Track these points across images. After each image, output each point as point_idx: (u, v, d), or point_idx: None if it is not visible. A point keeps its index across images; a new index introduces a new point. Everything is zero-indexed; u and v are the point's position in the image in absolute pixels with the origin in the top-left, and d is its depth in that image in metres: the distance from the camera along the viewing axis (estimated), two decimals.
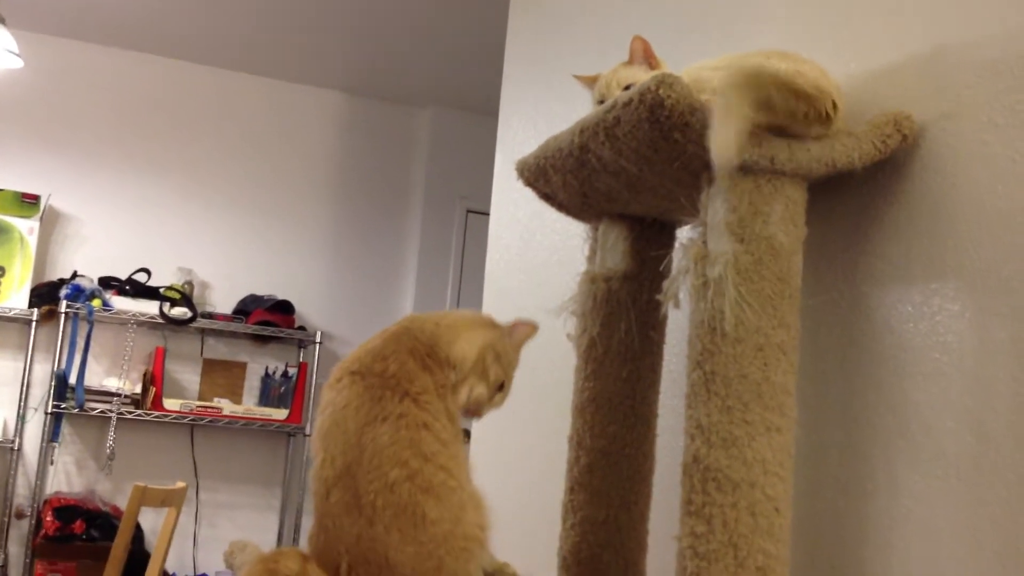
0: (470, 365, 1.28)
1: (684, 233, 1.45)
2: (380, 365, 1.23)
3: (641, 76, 1.28)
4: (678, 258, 1.21)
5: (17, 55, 3.79)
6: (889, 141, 1.19)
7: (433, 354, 1.26)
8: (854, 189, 1.27)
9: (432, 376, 1.24)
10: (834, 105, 1.16)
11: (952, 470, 1.09)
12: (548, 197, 1.51)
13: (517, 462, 2.21)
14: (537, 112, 2.38)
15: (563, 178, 1.40)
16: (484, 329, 1.33)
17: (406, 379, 1.21)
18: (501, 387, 1.32)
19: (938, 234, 1.15)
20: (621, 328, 1.44)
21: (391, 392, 1.20)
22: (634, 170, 1.27)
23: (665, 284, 1.23)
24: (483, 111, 3.11)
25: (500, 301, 2.45)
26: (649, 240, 1.46)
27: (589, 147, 1.28)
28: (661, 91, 1.11)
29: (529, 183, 1.49)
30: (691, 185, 1.22)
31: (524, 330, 1.35)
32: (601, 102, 1.33)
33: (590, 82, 1.39)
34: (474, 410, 1.30)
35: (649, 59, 1.34)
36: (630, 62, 1.34)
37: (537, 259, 2.26)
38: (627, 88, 1.27)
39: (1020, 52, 1.09)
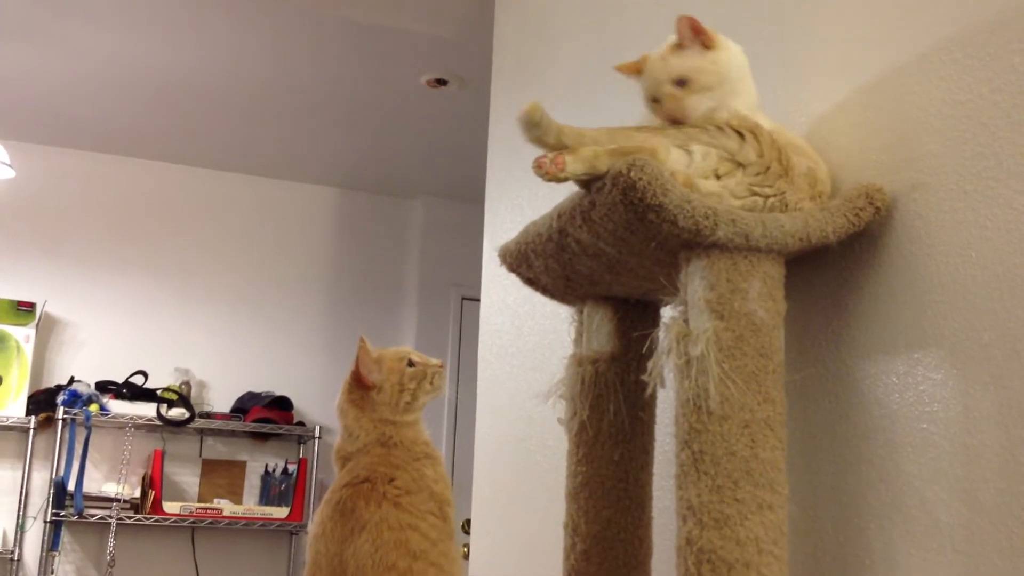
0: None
1: (668, 312, 1.45)
2: (347, 476, 1.23)
3: (695, 63, 1.21)
4: (661, 337, 1.21)
5: (8, 165, 3.85)
6: (862, 214, 1.19)
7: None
8: (832, 262, 1.27)
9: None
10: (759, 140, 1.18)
11: (947, 541, 1.07)
12: (532, 282, 1.52)
13: (514, 551, 2.17)
14: (521, 198, 2.40)
15: (545, 262, 1.40)
16: None
17: (382, 481, 1.21)
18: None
19: (917, 304, 1.15)
20: (610, 410, 1.43)
21: (364, 501, 1.19)
22: (613, 252, 1.27)
23: (650, 364, 1.22)
24: (473, 200, 3.14)
25: (494, 387, 2.44)
26: (634, 321, 1.46)
27: (567, 231, 1.29)
28: (633, 174, 1.12)
29: (512, 268, 1.49)
30: (669, 264, 1.23)
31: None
32: (654, 99, 1.23)
33: (635, 71, 1.25)
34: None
35: (702, 38, 1.19)
36: (680, 45, 1.21)
37: (529, 343, 2.26)
38: (679, 83, 1.20)
39: (983, 119, 1.10)
